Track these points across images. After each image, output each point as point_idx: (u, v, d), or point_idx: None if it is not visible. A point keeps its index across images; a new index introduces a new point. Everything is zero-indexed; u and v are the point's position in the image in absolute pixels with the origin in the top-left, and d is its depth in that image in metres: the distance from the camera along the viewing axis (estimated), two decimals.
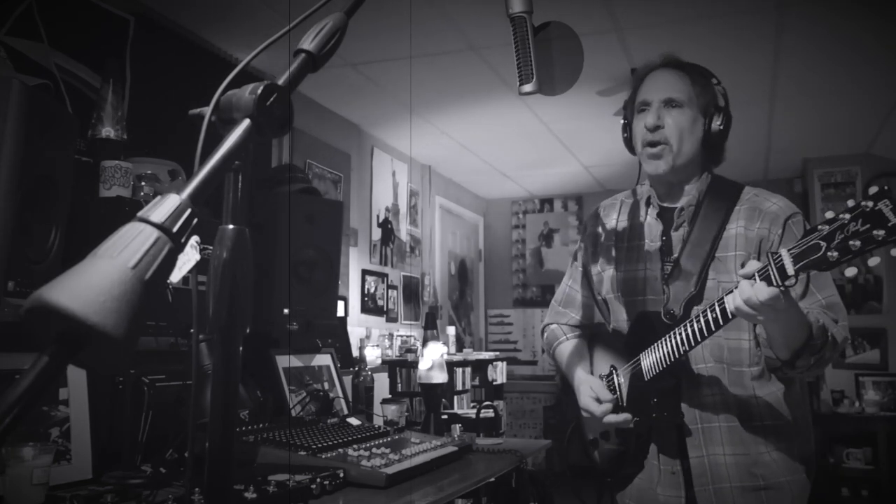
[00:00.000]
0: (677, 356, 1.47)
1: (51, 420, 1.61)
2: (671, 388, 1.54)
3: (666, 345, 1.49)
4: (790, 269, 1.19)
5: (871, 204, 1.11)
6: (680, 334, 1.45)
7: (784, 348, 1.37)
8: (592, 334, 1.83)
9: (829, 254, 1.14)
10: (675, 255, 1.59)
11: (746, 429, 1.51)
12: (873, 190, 1.13)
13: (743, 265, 1.31)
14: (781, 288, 1.20)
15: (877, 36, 3.46)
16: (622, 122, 1.74)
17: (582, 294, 1.85)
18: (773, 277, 1.21)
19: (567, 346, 1.84)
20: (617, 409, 1.59)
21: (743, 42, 3.51)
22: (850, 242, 1.12)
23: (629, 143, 1.71)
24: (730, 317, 1.34)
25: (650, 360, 1.55)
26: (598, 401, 1.61)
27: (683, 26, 3.35)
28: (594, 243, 1.80)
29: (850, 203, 1.14)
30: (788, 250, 1.20)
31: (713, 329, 1.38)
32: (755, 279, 1.23)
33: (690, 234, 1.58)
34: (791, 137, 5.15)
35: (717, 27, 3.36)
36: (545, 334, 1.93)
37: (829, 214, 1.16)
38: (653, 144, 1.59)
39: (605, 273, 1.74)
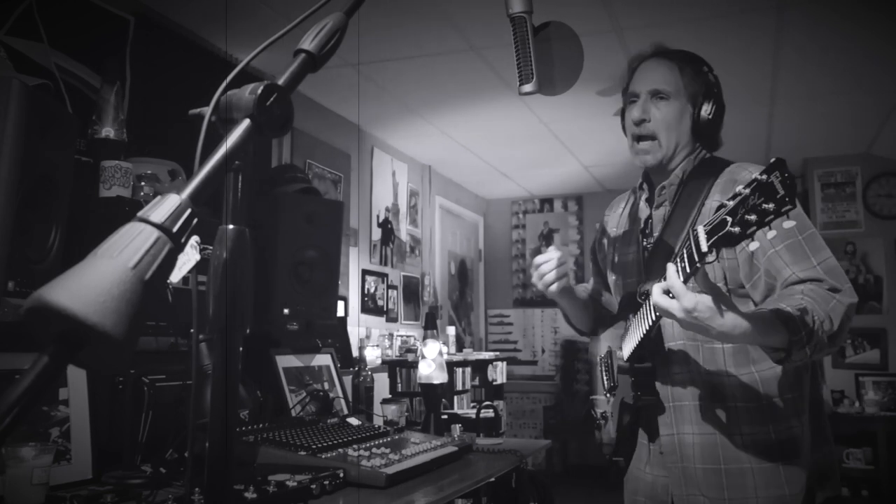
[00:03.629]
0: (642, 337, 1.46)
1: (51, 420, 1.61)
2: (647, 369, 1.54)
3: (636, 326, 1.51)
4: (703, 246, 1.14)
5: (765, 177, 1.08)
6: (643, 316, 1.45)
7: (770, 346, 1.30)
8: (607, 314, 1.87)
9: (731, 229, 1.11)
10: (657, 236, 1.59)
11: (715, 409, 1.48)
12: (771, 161, 1.10)
13: None
14: (698, 265, 1.16)
15: (877, 36, 3.46)
16: (622, 113, 1.74)
17: (595, 281, 1.93)
18: (693, 255, 1.17)
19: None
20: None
21: (743, 42, 3.51)
22: (747, 216, 1.09)
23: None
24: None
25: (628, 341, 1.57)
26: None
27: (683, 26, 3.35)
28: (603, 233, 1.85)
29: (754, 174, 1.10)
30: (704, 226, 1.16)
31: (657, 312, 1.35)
32: (683, 258, 1.20)
33: (672, 213, 1.58)
34: (791, 137, 5.15)
35: (717, 27, 3.36)
36: None
37: (739, 188, 1.12)
38: (640, 138, 1.59)
39: (608, 260, 1.80)
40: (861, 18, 3.28)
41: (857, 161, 5.64)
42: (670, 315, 1.23)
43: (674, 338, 1.54)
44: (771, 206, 1.07)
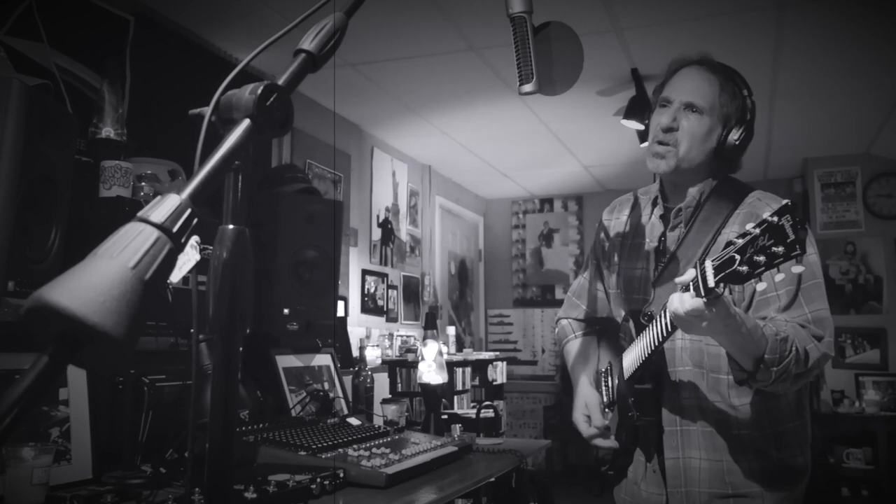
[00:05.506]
0: (645, 358, 1.47)
1: (51, 420, 1.61)
2: (647, 390, 1.54)
3: (638, 346, 1.51)
4: (710, 282, 1.15)
5: (775, 219, 1.08)
6: (646, 337, 1.46)
7: (742, 359, 1.33)
8: (603, 328, 1.84)
9: (739, 268, 1.11)
10: (668, 257, 1.58)
11: (722, 436, 1.49)
12: (783, 203, 1.10)
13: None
14: (704, 300, 1.17)
15: (877, 35, 3.46)
16: (639, 113, 1.72)
17: (593, 286, 1.86)
18: (699, 289, 1.17)
19: (573, 345, 1.86)
20: (606, 432, 1.63)
21: (743, 41, 3.51)
22: (756, 257, 1.09)
23: (646, 133, 1.68)
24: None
25: (628, 360, 1.57)
26: (588, 420, 1.64)
27: (683, 26, 3.35)
28: (606, 238, 1.81)
29: (765, 215, 1.10)
30: (711, 261, 1.16)
31: (665, 335, 1.36)
32: (689, 289, 1.21)
33: (686, 236, 1.56)
34: (791, 137, 5.15)
35: (716, 27, 3.36)
36: (556, 329, 1.97)
37: (750, 226, 1.12)
38: (661, 144, 1.55)
39: (612, 268, 1.76)
40: (861, 18, 3.28)
41: (857, 161, 5.64)
42: (678, 312, 1.23)
43: (683, 363, 1.54)
44: (780, 249, 1.08)
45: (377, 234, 4.99)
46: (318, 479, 1.61)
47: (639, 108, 3.84)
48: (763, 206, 1.51)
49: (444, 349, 4.00)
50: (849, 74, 3.97)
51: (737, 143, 1.53)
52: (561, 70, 1.21)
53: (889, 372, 5.39)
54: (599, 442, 1.62)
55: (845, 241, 5.61)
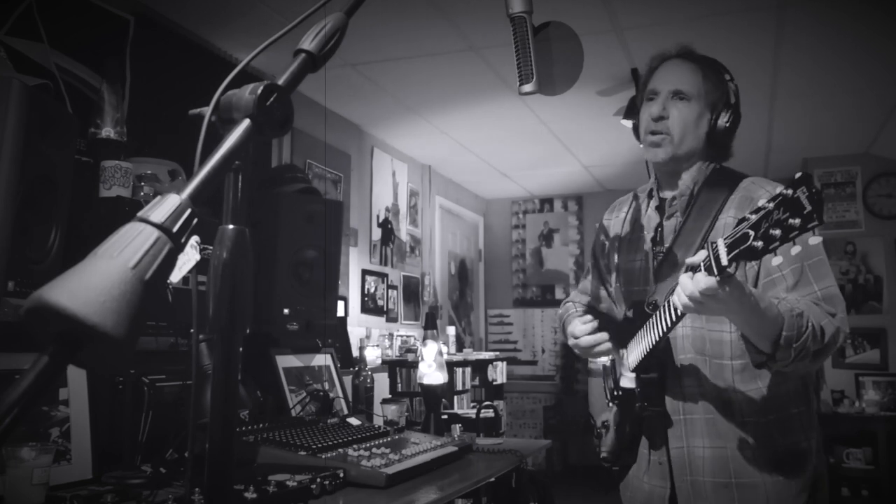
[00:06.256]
0: (651, 347, 1.47)
1: (51, 420, 1.61)
2: (652, 380, 1.54)
3: (643, 336, 1.51)
4: (724, 260, 1.15)
5: (790, 192, 1.09)
6: (651, 326, 1.46)
7: (760, 340, 1.32)
8: (604, 322, 1.84)
9: (754, 243, 1.11)
10: (667, 246, 1.59)
11: (726, 423, 1.49)
12: (797, 175, 1.10)
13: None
14: (717, 278, 1.17)
15: (878, 35, 3.46)
16: (636, 112, 1.73)
17: (595, 285, 1.89)
18: (712, 268, 1.17)
19: (576, 314, 1.86)
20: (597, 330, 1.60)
21: (743, 41, 3.51)
22: (771, 231, 1.09)
23: (637, 131, 1.69)
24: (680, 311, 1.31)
25: (633, 351, 1.57)
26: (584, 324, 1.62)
27: (683, 26, 3.35)
28: (606, 237, 1.83)
29: (777, 190, 1.10)
30: (724, 239, 1.16)
31: (674, 320, 1.36)
32: (700, 269, 1.20)
33: (683, 225, 1.57)
34: (791, 137, 5.15)
35: (717, 26, 3.36)
36: (560, 311, 1.99)
37: (762, 202, 1.12)
38: (654, 133, 1.58)
39: (612, 265, 1.78)
40: (862, 17, 3.27)
41: (857, 161, 5.64)
42: (692, 293, 1.21)
43: (685, 351, 1.54)
44: (797, 221, 1.07)
45: (377, 234, 4.99)
46: (318, 479, 1.61)
47: (639, 109, 3.84)
48: (758, 189, 1.52)
49: (444, 349, 4.00)
50: (849, 74, 3.97)
51: (727, 125, 1.57)
52: (561, 70, 1.21)
53: (889, 372, 5.39)
54: (591, 338, 1.58)
55: (845, 241, 5.61)
